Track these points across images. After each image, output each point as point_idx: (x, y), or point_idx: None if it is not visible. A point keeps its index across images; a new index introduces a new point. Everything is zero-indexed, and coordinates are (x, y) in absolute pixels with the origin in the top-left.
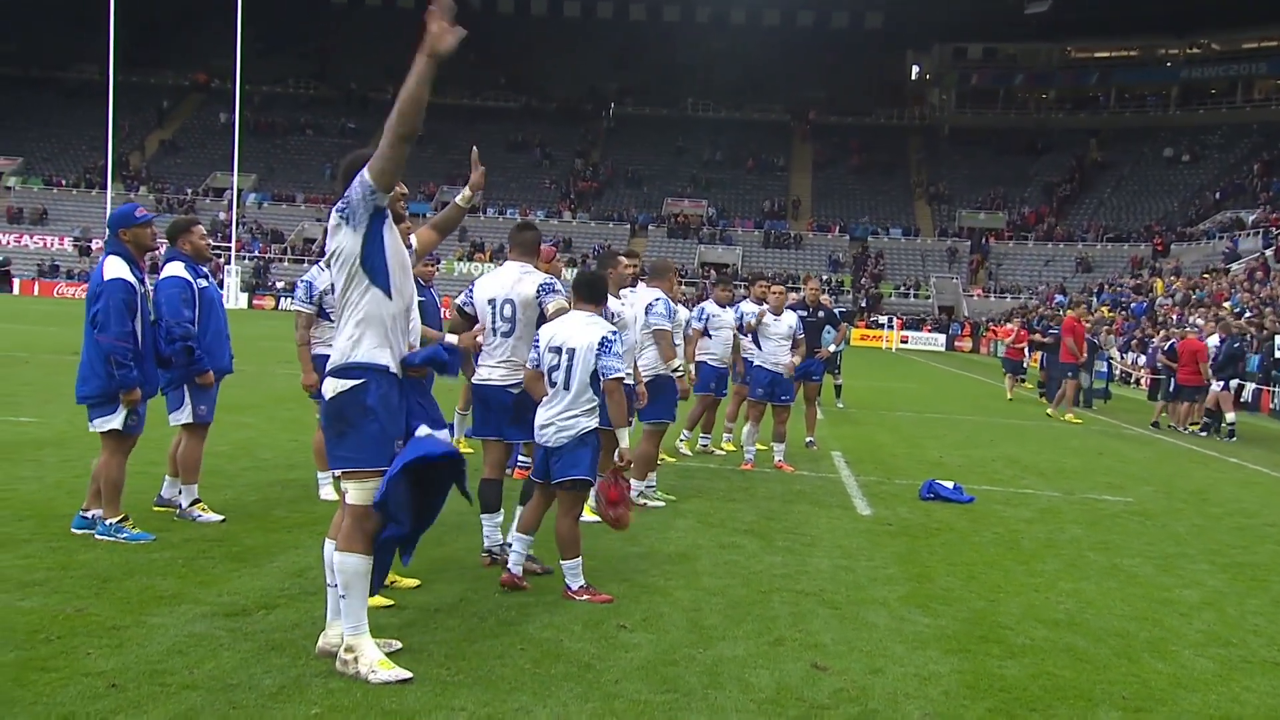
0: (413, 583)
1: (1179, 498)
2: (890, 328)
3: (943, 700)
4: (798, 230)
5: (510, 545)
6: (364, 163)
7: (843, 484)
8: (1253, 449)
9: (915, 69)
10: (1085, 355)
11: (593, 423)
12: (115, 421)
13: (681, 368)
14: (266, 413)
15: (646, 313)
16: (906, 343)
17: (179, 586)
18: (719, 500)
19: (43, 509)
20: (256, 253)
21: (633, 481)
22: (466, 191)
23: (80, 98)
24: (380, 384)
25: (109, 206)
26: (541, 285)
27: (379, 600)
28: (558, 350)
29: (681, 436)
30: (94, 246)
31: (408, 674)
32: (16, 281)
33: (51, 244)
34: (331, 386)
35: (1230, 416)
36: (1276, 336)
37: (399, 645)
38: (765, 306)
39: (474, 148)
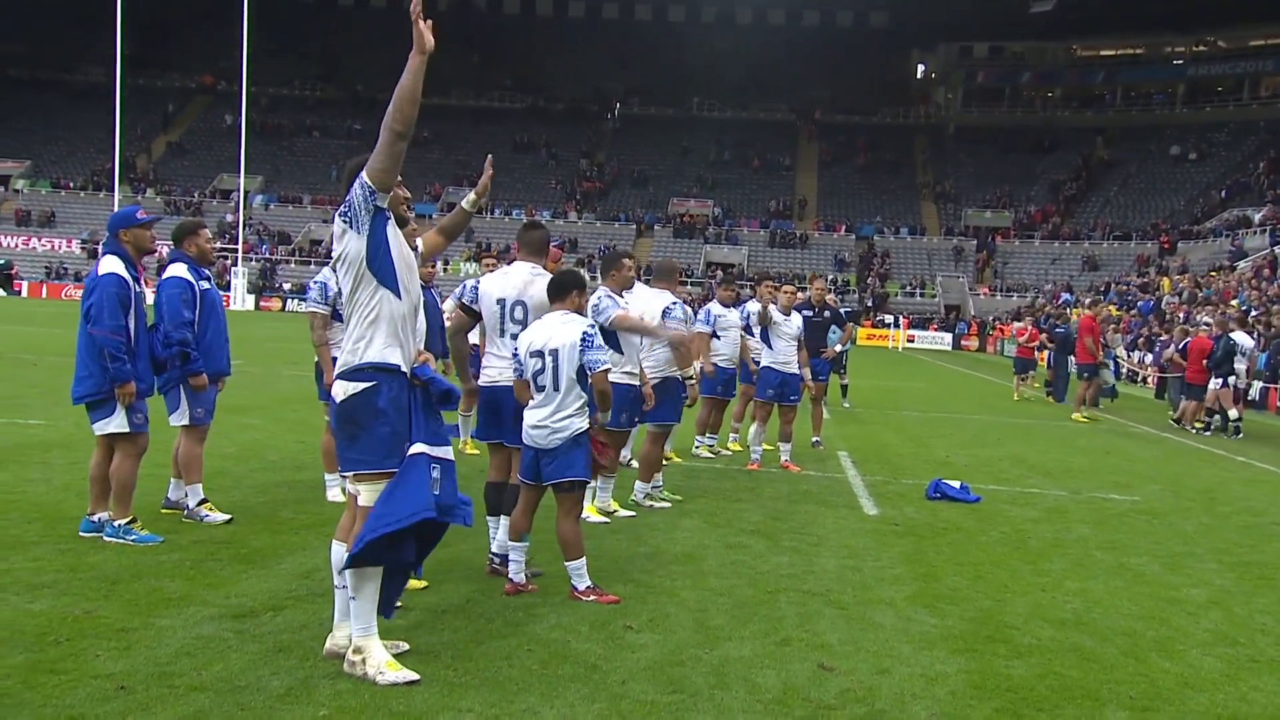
0: (420, 584)
1: (1187, 496)
2: (896, 327)
3: (949, 700)
4: (804, 230)
5: (506, 556)
6: (364, 166)
7: (849, 484)
8: (1261, 447)
9: (921, 68)
10: (1103, 354)
11: (584, 423)
12: (116, 423)
13: (695, 374)
14: (273, 414)
15: (664, 316)
16: (913, 342)
17: (187, 588)
18: (725, 500)
19: (51, 511)
20: (264, 254)
21: (637, 483)
22: (472, 195)
23: (87, 100)
24: (391, 386)
25: (116, 209)
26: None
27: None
28: (539, 354)
29: (696, 442)
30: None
31: (415, 675)
32: (24, 284)
33: (59, 246)
34: (342, 389)
35: (1233, 413)
36: None
37: (406, 647)
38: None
39: (489, 155)
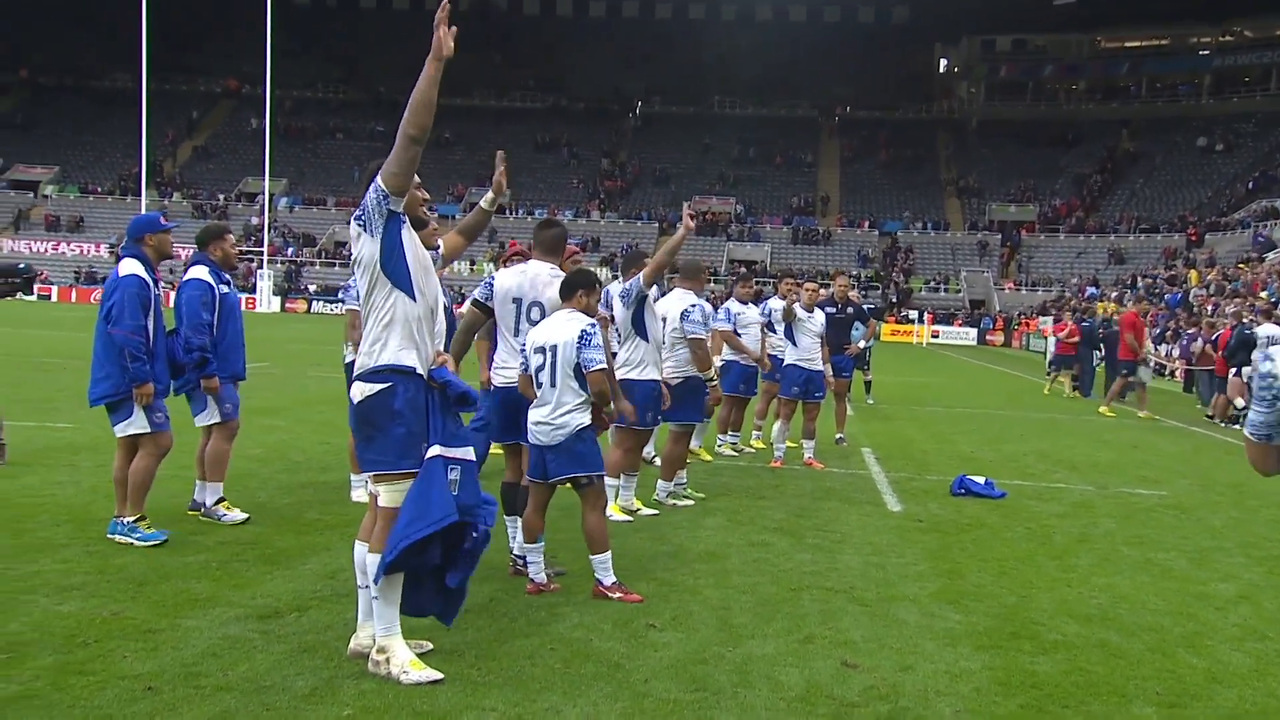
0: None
1: (1215, 490)
2: (921, 323)
3: (974, 697)
4: (826, 226)
5: (525, 558)
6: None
7: (873, 480)
8: None
9: (943, 62)
10: (1144, 351)
11: (586, 418)
12: (136, 424)
13: (715, 375)
14: (298, 415)
15: (682, 319)
16: (937, 337)
17: (213, 589)
18: (748, 498)
19: (79, 513)
20: (289, 256)
21: (660, 482)
22: (490, 194)
23: (114, 106)
24: (407, 387)
25: (143, 213)
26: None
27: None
28: (541, 350)
29: (719, 440)
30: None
31: (439, 675)
32: (54, 289)
33: (88, 251)
34: (359, 391)
35: (1240, 402)
36: None
37: (430, 646)
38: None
39: (499, 152)
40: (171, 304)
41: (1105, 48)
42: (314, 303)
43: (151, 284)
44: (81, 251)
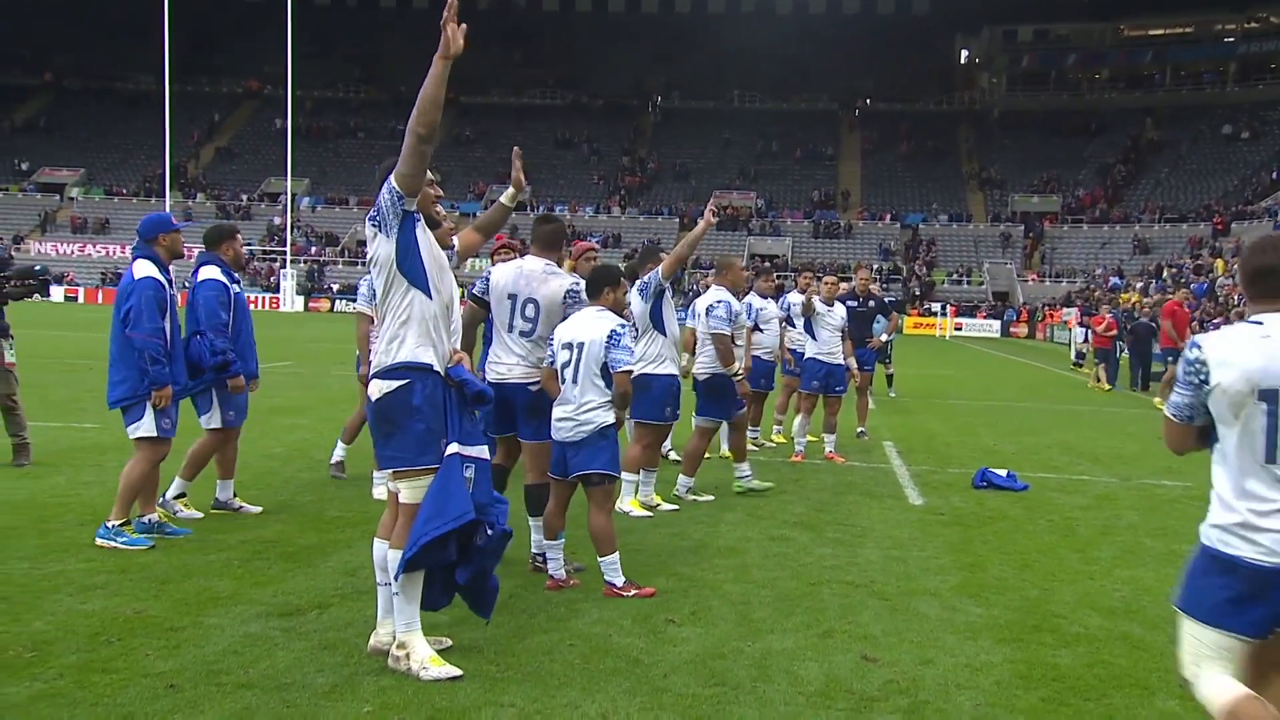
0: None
1: None
2: (944, 315)
3: (995, 690)
4: (848, 219)
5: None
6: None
7: (894, 474)
8: None
9: (964, 53)
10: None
11: (610, 417)
12: (145, 427)
13: (741, 370)
14: (320, 414)
15: (707, 314)
16: (960, 330)
17: (235, 587)
18: (769, 493)
19: (105, 513)
20: (311, 256)
21: (680, 477)
22: (511, 190)
23: (138, 108)
24: (425, 384)
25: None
26: (569, 292)
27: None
28: (569, 346)
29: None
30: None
31: (458, 671)
32: (80, 290)
33: (114, 253)
34: (377, 388)
35: None
36: None
37: (449, 643)
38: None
39: (515, 148)
40: (185, 304)
41: (1129, 36)
42: (337, 302)
43: (166, 285)
44: (107, 253)
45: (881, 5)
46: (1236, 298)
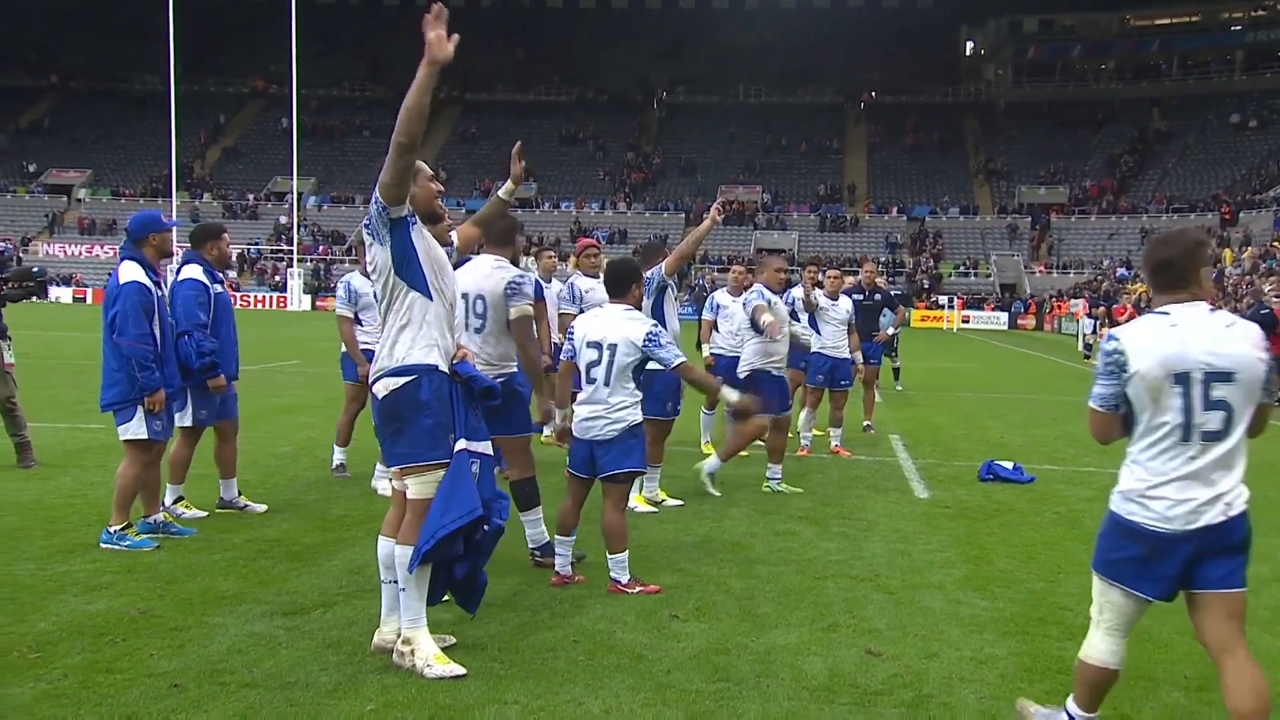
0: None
1: (1249, 471)
2: (951, 308)
3: (999, 683)
4: (854, 213)
5: (544, 547)
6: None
7: (900, 467)
8: None
9: (970, 45)
10: None
11: (639, 415)
12: (134, 429)
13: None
14: (327, 413)
15: (744, 306)
16: (968, 322)
17: (240, 586)
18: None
19: (110, 514)
20: (317, 254)
21: (769, 466)
22: (509, 184)
23: (144, 108)
24: (432, 379)
25: (174, 215)
26: (510, 284)
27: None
28: (596, 345)
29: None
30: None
31: (462, 669)
32: (89, 291)
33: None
34: (383, 387)
35: None
36: None
37: (453, 640)
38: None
39: (518, 144)
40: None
41: (1135, 26)
42: None
43: (153, 287)
44: (115, 254)
45: None
46: (1244, 287)
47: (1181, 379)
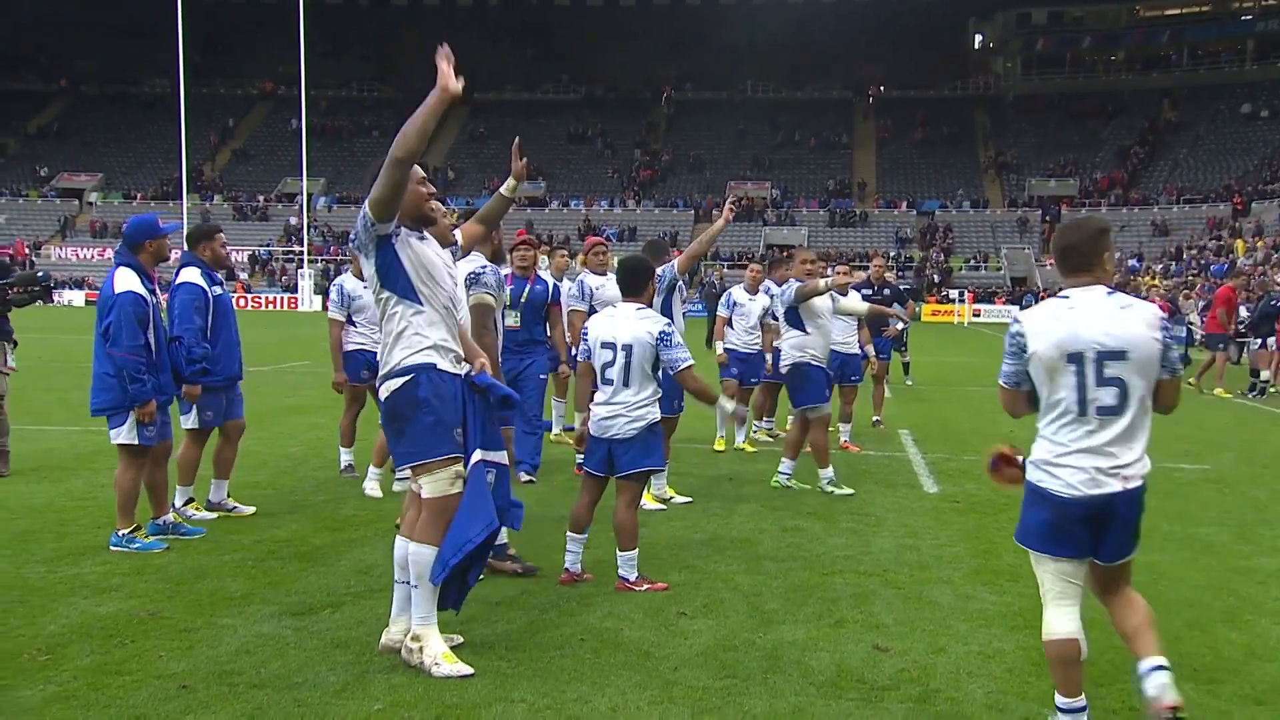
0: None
1: (1260, 463)
2: (962, 302)
3: (1006, 678)
4: (864, 208)
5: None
6: (373, 180)
7: (910, 462)
8: None
9: (978, 38)
10: (1232, 327)
11: (658, 413)
12: (125, 434)
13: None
14: (337, 414)
15: (778, 299)
16: (979, 316)
17: (249, 587)
18: (783, 485)
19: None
20: (327, 255)
21: (820, 470)
22: (511, 181)
23: (154, 111)
24: (430, 377)
25: (185, 218)
26: (470, 274)
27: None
28: (610, 345)
29: (754, 426)
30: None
31: (469, 669)
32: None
33: None
34: (386, 389)
35: (1265, 374)
36: None
37: (460, 640)
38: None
39: (516, 139)
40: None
41: (1144, 16)
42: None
43: (148, 295)
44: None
45: None
46: (1258, 277)
47: (1075, 358)
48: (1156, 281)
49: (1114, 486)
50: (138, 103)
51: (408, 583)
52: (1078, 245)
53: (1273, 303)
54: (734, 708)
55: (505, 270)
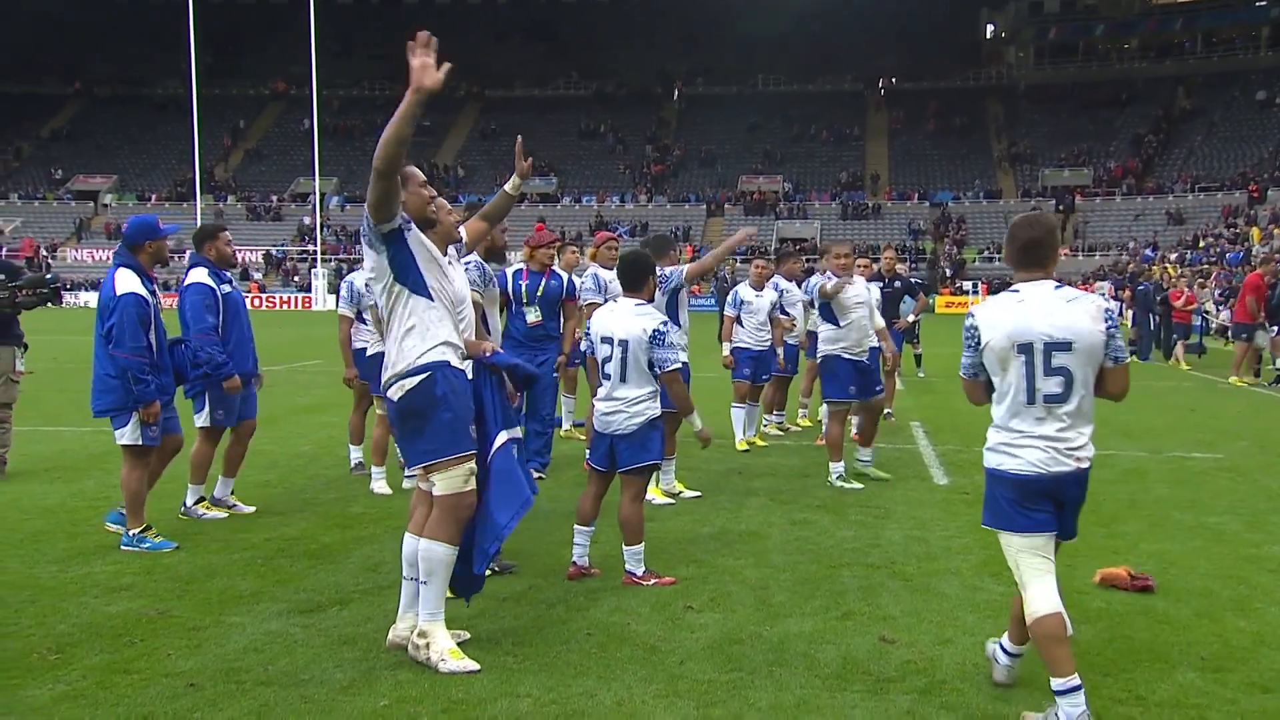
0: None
1: (1273, 452)
2: (975, 293)
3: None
4: (876, 201)
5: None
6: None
7: (920, 454)
8: None
9: (990, 27)
10: (1262, 315)
11: (658, 409)
12: (129, 435)
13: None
14: (348, 412)
15: (807, 291)
16: None
17: (258, 585)
18: (792, 477)
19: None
20: (340, 254)
21: (830, 464)
22: (515, 179)
23: (168, 113)
24: (446, 375)
25: (199, 219)
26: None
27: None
28: (609, 340)
29: (764, 420)
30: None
31: (476, 665)
32: None
33: None
34: (398, 389)
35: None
36: None
37: (467, 636)
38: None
39: (518, 138)
40: (175, 309)
41: (1158, 4)
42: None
43: (149, 295)
44: None
45: None
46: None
47: (1025, 349)
48: (1174, 271)
49: (1070, 465)
50: (151, 105)
51: (415, 579)
52: (1042, 240)
53: None
54: (739, 701)
55: (518, 266)
